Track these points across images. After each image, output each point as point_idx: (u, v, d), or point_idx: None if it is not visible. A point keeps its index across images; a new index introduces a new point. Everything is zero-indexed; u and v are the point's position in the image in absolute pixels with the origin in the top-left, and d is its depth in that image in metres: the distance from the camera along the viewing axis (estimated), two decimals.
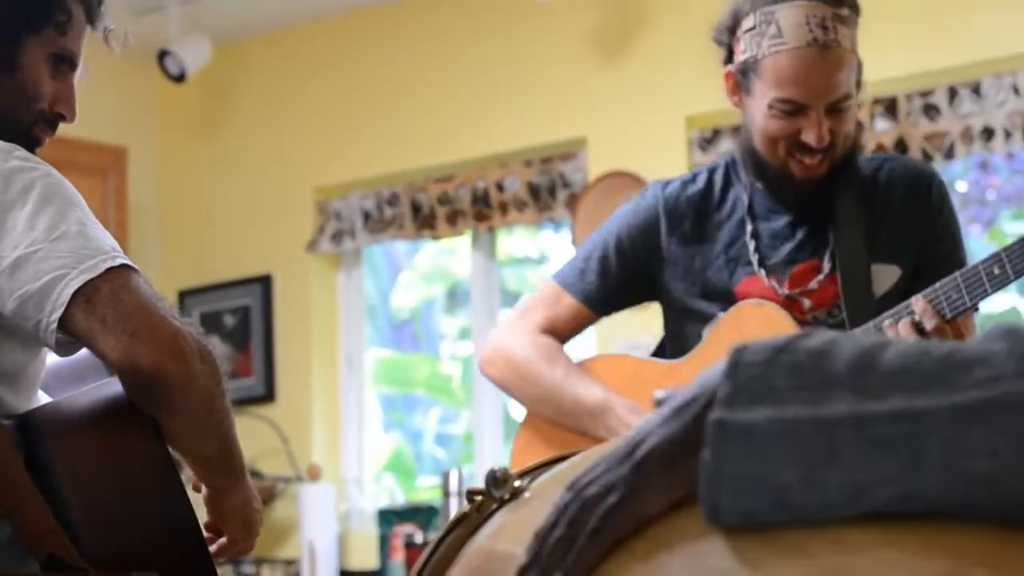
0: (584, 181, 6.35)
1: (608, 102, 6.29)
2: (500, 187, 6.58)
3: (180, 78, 6.83)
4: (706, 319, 2.97)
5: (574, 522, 1.09)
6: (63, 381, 2.32)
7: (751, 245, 2.97)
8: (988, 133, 5.55)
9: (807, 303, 2.93)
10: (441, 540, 1.24)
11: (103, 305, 2.07)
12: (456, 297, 8.62)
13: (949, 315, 2.77)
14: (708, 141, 6.08)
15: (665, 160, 6.12)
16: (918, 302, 2.79)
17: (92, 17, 2.39)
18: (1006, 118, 5.53)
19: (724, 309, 2.95)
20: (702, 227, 3.03)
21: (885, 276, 2.92)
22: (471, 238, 6.84)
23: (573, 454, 1.27)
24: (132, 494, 2.12)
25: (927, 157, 5.56)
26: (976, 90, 5.58)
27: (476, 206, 6.63)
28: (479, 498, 1.23)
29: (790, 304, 2.92)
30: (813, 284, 2.93)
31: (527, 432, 3.15)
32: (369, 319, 7.51)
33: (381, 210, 6.86)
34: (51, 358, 2.31)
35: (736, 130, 5.98)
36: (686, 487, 1.06)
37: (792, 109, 2.84)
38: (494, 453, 6.66)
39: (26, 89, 2.32)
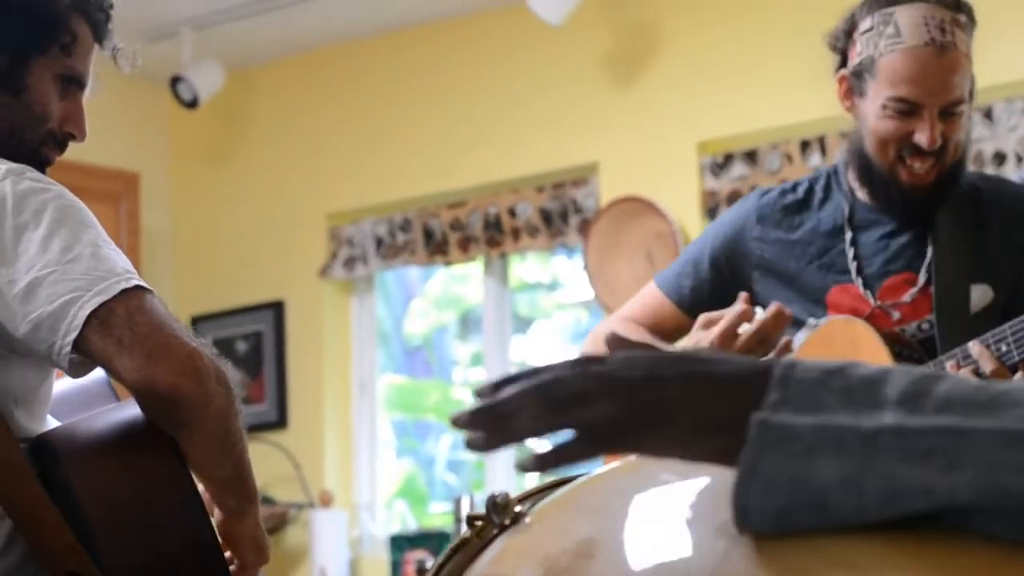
0: (596, 206, 6.35)
1: (620, 128, 6.29)
2: (512, 213, 6.58)
3: (193, 104, 6.85)
4: (798, 324, 2.97)
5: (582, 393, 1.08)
6: (70, 406, 2.32)
7: (849, 253, 2.97)
8: (1000, 158, 5.55)
9: (896, 315, 2.93)
10: (441, 567, 1.23)
11: (118, 327, 2.07)
12: (468, 323, 8.62)
13: (1016, 358, 2.75)
14: (720, 166, 6.08)
15: (677, 185, 6.12)
16: (975, 347, 2.78)
17: (100, 36, 2.40)
18: (1018, 143, 5.53)
19: (815, 315, 2.96)
20: (796, 234, 3.04)
21: (980, 296, 2.91)
22: (483, 264, 6.84)
23: (574, 478, 1.27)
24: (153, 515, 2.12)
25: None
26: (988, 115, 5.58)
27: (488, 232, 6.63)
28: (479, 523, 1.23)
29: (880, 315, 2.92)
30: (906, 297, 2.93)
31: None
32: (381, 345, 7.51)
33: (393, 236, 6.87)
34: (57, 385, 2.31)
35: (750, 155, 6.01)
36: (698, 453, 1.06)
37: (906, 108, 2.84)
38: (506, 479, 6.65)
39: (34, 109, 2.32)
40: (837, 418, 1.00)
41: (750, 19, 6.06)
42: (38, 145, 2.33)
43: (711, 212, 6.07)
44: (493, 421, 1.10)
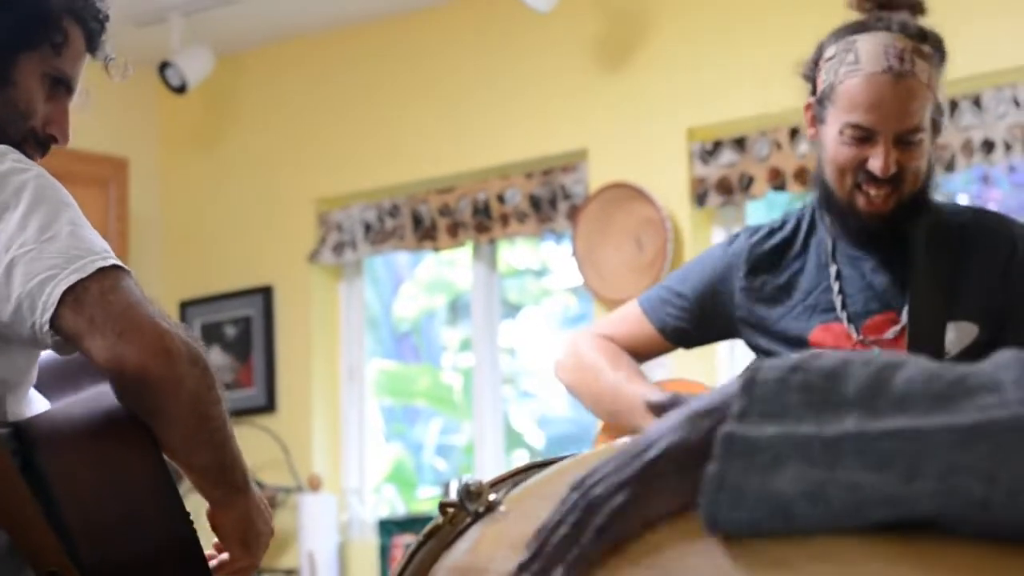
0: (585, 193, 6.35)
1: (609, 114, 6.29)
2: (501, 199, 6.58)
3: (181, 89, 6.84)
4: None
5: (579, 521, 1.09)
6: (58, 380, 2.31)
7: (835, 287, 2.96)
8: (989, 146, 5.55)
9: (878, 352, 2.91)
10: (413, 554, 1.24)
11: (91, 305, 2.06)
12: (457, 308, 8.63)
13: None
14: (709, 153, 6.09)
15: (666, 172, 6.13)
16: None
17: (93, 46, 2.38)
18: (1006, 131, 5.54)
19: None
20: (783, 277, 3.03)
21: (962, 334, 2.89)
22: (472, 249, 6.84)
23: (547, 463, 1.27)
24: (129, 508, 2.10)
25: None
26: (977, 102, 5.58)
27: (477, 217, 6.63)
28: (451, 511, 1.23)
29: (861, 351, 2.91)
30: (889, 334, 2.92)
31: (605, 439, 3.16)
32: (370, 330, 7.51)
33: (382, 221, 6.87)
34: (43, 356, 2.30)
35: (739, 142, 6.02)
36: (693, 495, 1.06)
37: (861, 135, 2.83)
38: (495, 464, 6.66)
39: (18, 105, 2.31)
40: (800, 425, 1.01)
41: (739, 5, 6.06)
42: (19, 142, 2.29)
43: (700, 198, 6.07)
44: None
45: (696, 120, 6.12)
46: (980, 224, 2.98)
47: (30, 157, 2.31)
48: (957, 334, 2.89)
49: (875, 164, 2.82)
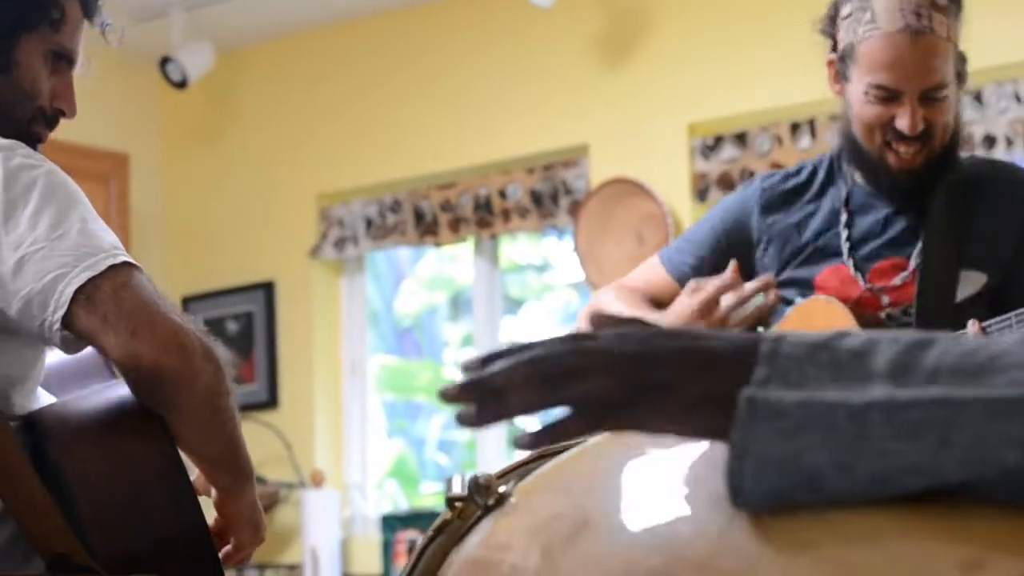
0: (586, 188, 6.35)
1: (610, 109, 6.29)
2: (503, 194, 6.58)
3: (182, 84, 6.84)
4: (788, 305, 2.99)
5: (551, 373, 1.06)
6: (66, 379, 2.32)
7: (843, 234, 2.98)
8: (990, 141, 5.55)
9: (886, 299, 2.92)
10: (424, 549, 1.23)
11: (104, 303, 2.07)
12: (459, 304, 8.63)
13: None
14: (710, 148, 6.09)
15: (667, 167, 6.13)
16: (973, 326, 2.77)
17: (89, 12, 2.39)
18: (1007, 126, 5.53)
19: (803, 296, 2.97)
20: (795, 217, 3.05)
21: (970, 282, 2.90)
22: (474, 245, 6.84)
23: (555, 453, 1.26)
24: (141, 495, 2.12)
25: None
26: (978, 98, 5.58)
27: (478, 213, 6.63)
28: (459, 504, 1.22)
29: (870, 298, 2.92)
30: (896, 280, 2.93)
31: None
32: (372, 326, 7.51)
33: (384, 217, 6.87)
34: (51, 357, 2.31)
35: (740, 138, 6.02)
36: (687, 433, 1.05)
37: (886, 95, 2.84)
38: (497, 459, 6.66)
39: (23, 86, 2.32)
40: (825, 393, 0.99)
41: (740, 1, 6.06)
42: (28, 122, 2.32)
43: (701, 194, 6.08)
44: (484, 395, 1.08)
45: (697, 115, 6.12)
46: (996, 174, 3.00)
47: (40, 136, 2.34)
48: (965, 282, 2.91)
49: (902, 123, 2.84)
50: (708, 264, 3.11)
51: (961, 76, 2.91)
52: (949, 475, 0.95)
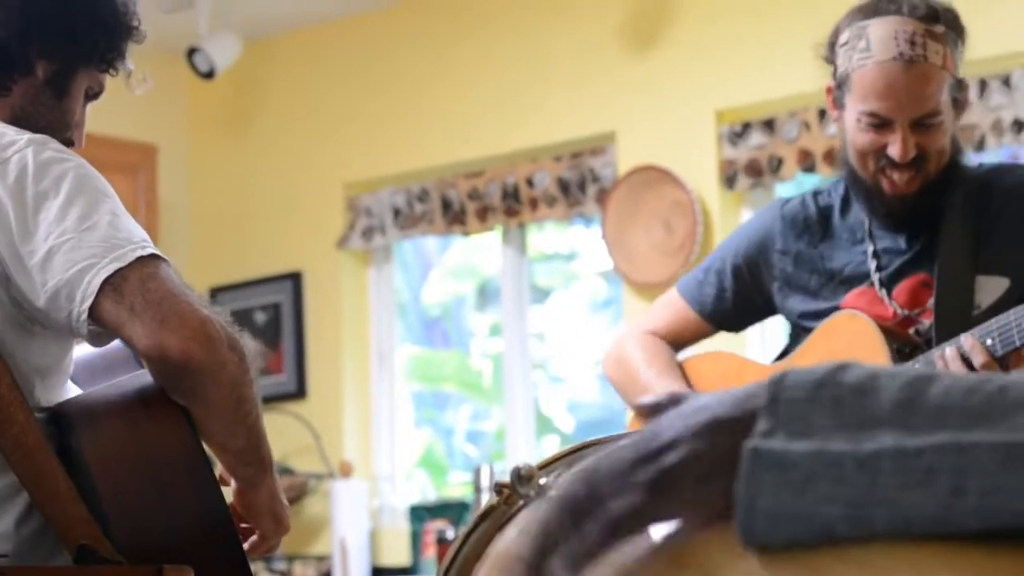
0: (614, 176, 6.34)
1: (637, 96, 6.27)
2: (530, 183, 6.57)
3: (210, 75, 6.84)
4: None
5: (580, 514, 1.05)
6: (94, 373, 2.33)
7: (872, 264, 2.98)
8: (1019, 125, 5.52)
9: (926, 323, 2.92)
10: (469, 534, 1.23)
11: (132, 294, 2.09)
12: (486, 293, 8.62)
13: (999, 352, 2.75)
14: (738, 135, 6.07)
15: (695, 154, 6.11)
16: (967, 339, 2.77)
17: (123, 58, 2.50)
18: None
19: None
20: (819, 248, 3.05)
21: (992, 288, 2.90)
22: (501, 234, 6.83)
23: (596, 443, 1.26)
24: (164, 486, 2.13)
25: None
26: (1006, 82, 5.55)
27: (506, 202, 6.62)
28: (506, 491, 1.22)
29: (906, 323, 2.92)
30: (929, 304, 2.92)
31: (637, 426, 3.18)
32: (400, 316, 7.51)
33: (411, 206, 6.86)
34: (79, 351, 2.33)
35: (768, 124, 5.99)
36: (713, 507, 1.03)
37: (878, 123, 2.85)
38: (525, 449, 6.65)
39: (67, 116, 2.39)
40: (832, 442, 0.98)
41: None
42: None
43: (729, 181, 6.06)
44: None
45: (725, 102, 6.10)
46: (1010, 179, 2.99)
47: None
48: (987, 288, 2.90)
49: (894, 150, 2.84)
50: (731, 293, 3.13)
51: (958, 103, 2.90)
52: (969, 524, 0.94)
